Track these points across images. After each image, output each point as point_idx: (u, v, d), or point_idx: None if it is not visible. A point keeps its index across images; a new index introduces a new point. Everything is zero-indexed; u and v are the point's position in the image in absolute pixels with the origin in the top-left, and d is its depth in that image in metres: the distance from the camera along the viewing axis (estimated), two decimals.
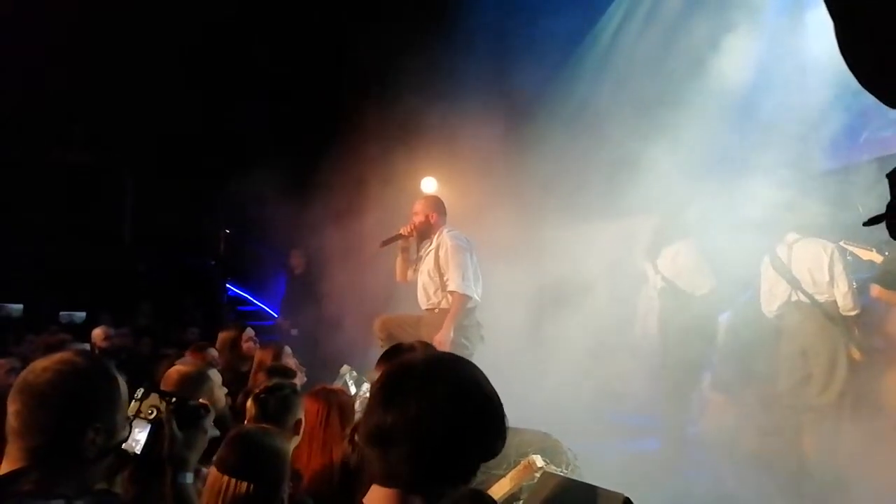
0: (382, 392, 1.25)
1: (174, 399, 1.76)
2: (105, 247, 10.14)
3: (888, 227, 1.32)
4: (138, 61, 7.55)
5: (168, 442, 1.68)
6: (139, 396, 1.77)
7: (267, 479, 1.92)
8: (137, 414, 1.73)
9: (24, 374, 1.48)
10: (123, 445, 1.58)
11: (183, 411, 1.74)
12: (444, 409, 1.21)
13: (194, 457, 1.74)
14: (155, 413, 1.72)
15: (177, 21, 7.13)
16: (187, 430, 1.74)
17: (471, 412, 1.25)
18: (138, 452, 1.66)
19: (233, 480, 1.83)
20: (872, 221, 1.34)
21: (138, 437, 1.67)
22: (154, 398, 1.76)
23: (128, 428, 1.57)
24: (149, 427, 1.68)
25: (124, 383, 1.57)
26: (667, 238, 5.39)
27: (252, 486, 1.85)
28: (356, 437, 2.32)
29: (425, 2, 5.95)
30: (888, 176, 1.32)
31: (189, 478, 1.71)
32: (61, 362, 1.47)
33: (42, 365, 1.47)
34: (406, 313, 5.15)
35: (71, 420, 1.44)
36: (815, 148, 4.47)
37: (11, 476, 1.39)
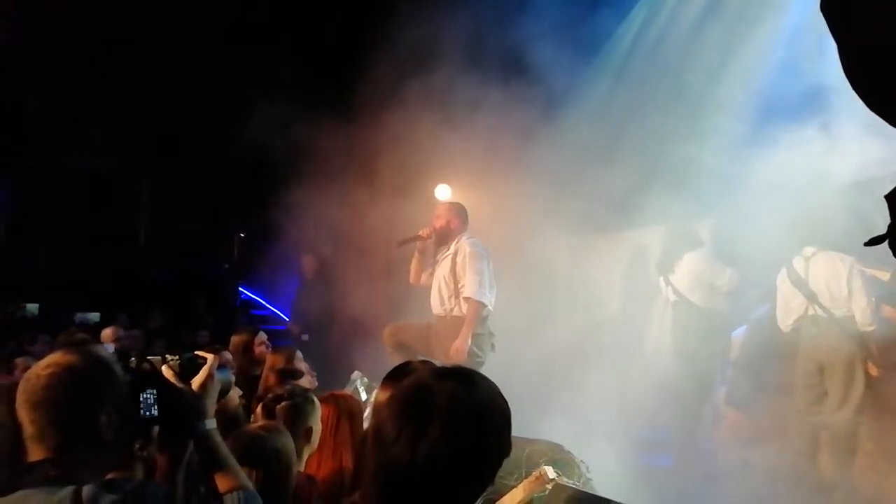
0: (401, 427, 1.21)
1: (174, 357, 1.77)
2: (120, 249, 10.23)
3: (891, 248, 1.31)
4: (154, 65, 7.62)
5: (178, 397, 1.68)
6: (134, 367, 1.79)
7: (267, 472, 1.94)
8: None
9: (22, 384, 1.52)
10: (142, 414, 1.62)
11: (184, 365, 1.74)
12: (470, 444, 1.21)
13: (210, 403, 1.72)
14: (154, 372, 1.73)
15: (193, 23, 7.19)
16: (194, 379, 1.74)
17: (494, 439, 1.25)
18: (156, 414, 1.67)
19: None
20: (874, 242, 1.33)
21: (151, 404, 1.68)
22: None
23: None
24: (154, 391, 1.68)
25: (119, 367, 1.61)
26: (678, 251, 5.35)
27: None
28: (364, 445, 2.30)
29: (442, 7, 5.94)
30: (886, 197, 1.31)
31: (210, 424, 1.69)
32: (53, 365, 1.52)
33: (35, 373, 1.52)
34: (415, 321, 5.13)
35: (81, 414, 1.49)
36: (838, 158, 4.40)
37: (33, 465, 1.45)
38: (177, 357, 1.76)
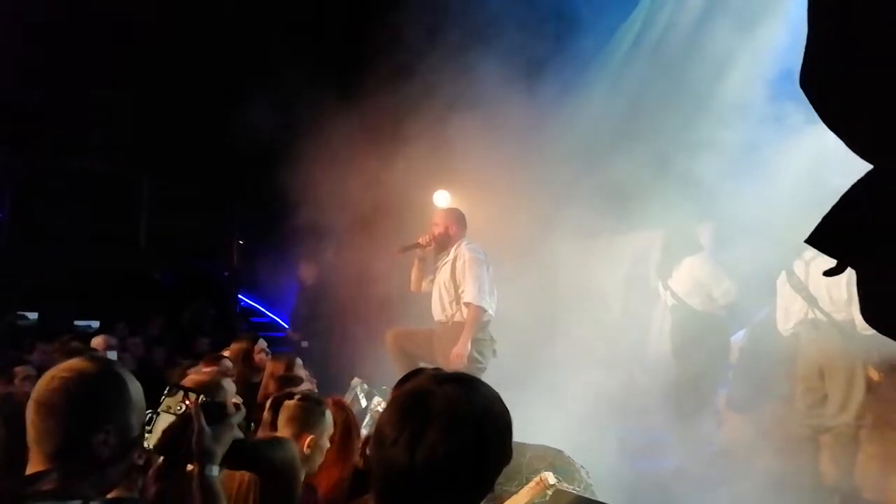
0: (399, 430, 1.21)
1: (201, 395, 1.76)
2: (120, 256, 10.23)
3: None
4: (155, 68, 7.63)
5: (197, 436, 1.67)
6: (166, 393, 1.79)
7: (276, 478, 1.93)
8: (166, 410, 1.74)
9: (37, 385, 1.54)
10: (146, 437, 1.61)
11: (211, 407, 1.75)
12: (469, 449, 1.20)
13: (221, 451, 1.70)
14: (183, 409, 1.73)
15: (193, 21, 7.20)
16: (215, 425, 1.72)
17: (494, 444, 1.24)
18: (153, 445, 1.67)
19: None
20: (830, 273, 1.40)
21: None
22: (180, 395, 1.78)
23: (149, 422, 1.61)
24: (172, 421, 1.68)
25: (137, 384, 1.60)
26: (677, 254, 5.34)
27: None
28: (367, 452, 2.29)
29: (439, 9, 5.96)
30: (807, 242, 1.35)
31: (215, 470, 1.67)
32: (66, 370, 1.53)
33: (50, 374, 1.53)
34: (417, 327, 5.13)
35: (78, 425, 1.49)
36: (842, 159, 4.37)
37: (33, 477, 1.46)
38: (205, 397, 1.76)
